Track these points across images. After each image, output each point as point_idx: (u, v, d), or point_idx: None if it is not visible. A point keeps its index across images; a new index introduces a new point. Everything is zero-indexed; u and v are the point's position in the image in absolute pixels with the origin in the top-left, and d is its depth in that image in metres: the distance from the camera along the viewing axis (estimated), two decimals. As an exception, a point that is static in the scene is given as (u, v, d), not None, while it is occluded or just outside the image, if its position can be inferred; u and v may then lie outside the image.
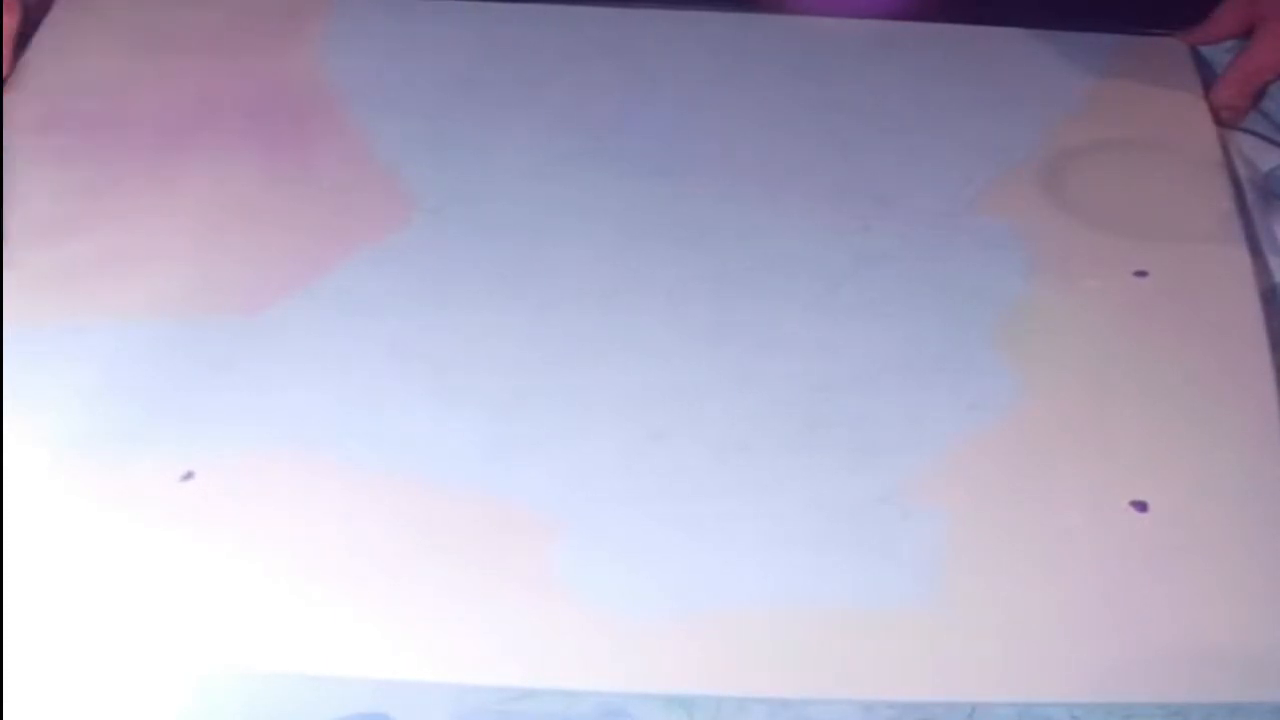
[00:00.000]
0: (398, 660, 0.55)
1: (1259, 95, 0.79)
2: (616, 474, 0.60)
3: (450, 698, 0.54)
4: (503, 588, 0.56)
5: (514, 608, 0.56)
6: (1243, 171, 0.76)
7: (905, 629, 0.56)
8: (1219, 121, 0.77)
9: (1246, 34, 0.79)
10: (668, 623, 0.56)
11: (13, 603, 0.55)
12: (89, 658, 0.54)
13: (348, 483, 0.59)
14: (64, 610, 0.55)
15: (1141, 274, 0.68)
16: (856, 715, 0.55)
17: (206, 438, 0.61)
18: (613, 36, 0.80)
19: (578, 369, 0.64)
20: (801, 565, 0.58)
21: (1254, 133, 0.78)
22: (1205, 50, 0.82)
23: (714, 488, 0.60)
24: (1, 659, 0.53)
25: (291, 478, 0.60)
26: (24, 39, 0.77)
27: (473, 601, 0.56)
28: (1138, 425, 0.63)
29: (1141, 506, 0.59)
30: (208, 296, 0.66)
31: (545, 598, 0.56)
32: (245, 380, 0.63)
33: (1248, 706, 0.55)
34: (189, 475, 0.59)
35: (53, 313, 0.65)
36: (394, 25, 0.80)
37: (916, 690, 0.55)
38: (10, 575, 0.55)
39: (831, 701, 0.55)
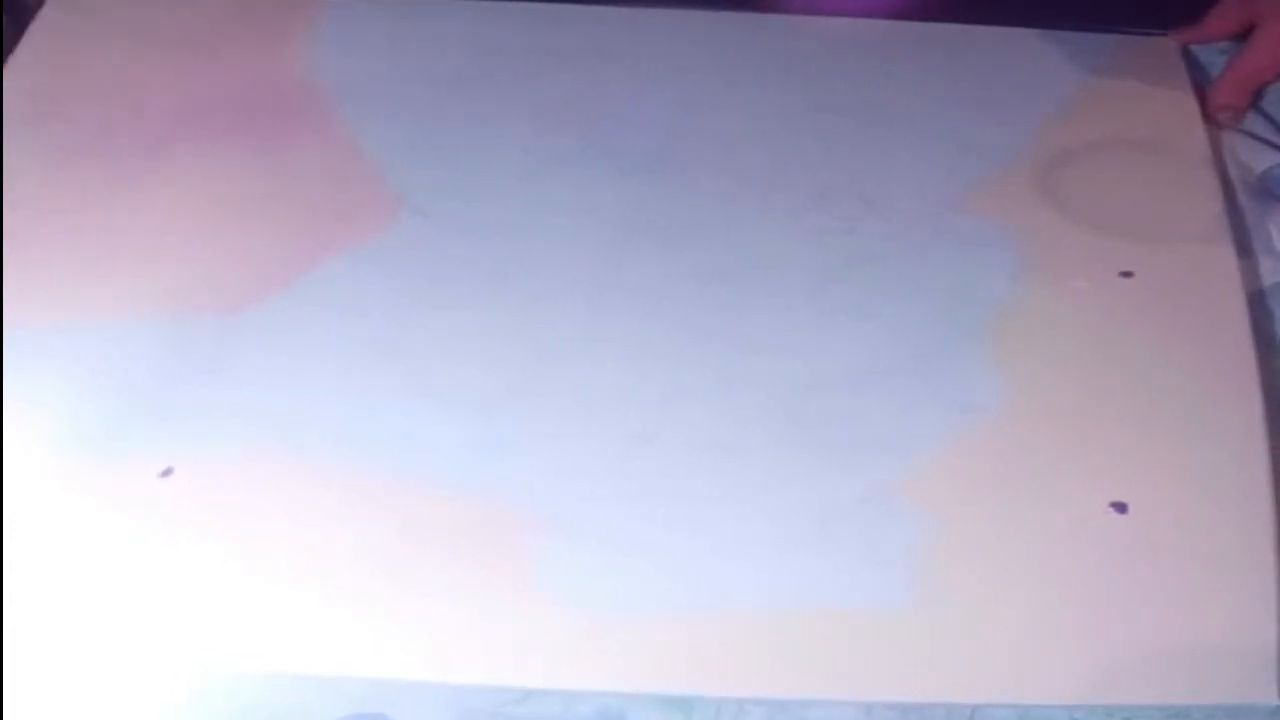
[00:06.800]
0: (396, 660, 0.55)
1: (1257, 96, 0.78)
2: (604, 474, 0.60)
3: (450, 698, 0.54)
4: (497, 589, 0.56)
5: (511, 609, 0.56)
6: (1235, 172, 0.75)
7: (898, 630, 0.56)
8: (1216, 124, 0.77)
9: (1242, 34, 0.79)
10: (662, 623, 0.56)
11: (10, 603, 0.55)
12: (87, 659, 0.55)
13: (332, 482, 0.59)
14: (60, 611, 0.55)
15: (1128, 274, 0.68)
16: (858, 718, 0.55)
17: (188, 435, 0.61)
18: (601, 35, 0.80)
19: (565, 368, 0.64)
20: (791, 566, 0.57)
21: (1251, 134, 0.78)
22: (1197, 50, 0.82)
23: (703, 488, 0.60)
24: (1, 659, 0.53)
25: (273, 476, 0.60)
26: (15, 38, 0.78)
27: (470, 602, 0.56)
28: (1125, 426, 0.62)
29: (1122, 508, 0.59)
30: (192, 294, 0.66)
31: (540, 599, 0.56)
32: (228, 378, 0.63)
33: (1246, 708, 0.55)
34: (168, 472, 0.59)
35: (35, 311, 0.65)
36: (383, 23, 0.80)
37: (914, 692, 0.55)
38: (6, 575, 0.56)
39: (831, 703, 0.55)
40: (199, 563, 0.57)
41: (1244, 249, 0.71)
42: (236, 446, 0.60)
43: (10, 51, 0.77)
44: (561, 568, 0.57)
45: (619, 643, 0.55)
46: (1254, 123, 0.79)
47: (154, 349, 0.64)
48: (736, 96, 0.77)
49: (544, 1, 0.81)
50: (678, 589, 0.57)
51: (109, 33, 0.78)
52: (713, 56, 0.79)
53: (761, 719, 0.55)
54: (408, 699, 0.54)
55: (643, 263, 0.69)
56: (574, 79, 0.77)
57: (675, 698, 0.55)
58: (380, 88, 0.76)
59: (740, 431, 0.62)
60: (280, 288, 0.66)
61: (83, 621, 0.55)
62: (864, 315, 0.66)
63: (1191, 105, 0.77)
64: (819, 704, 0.55)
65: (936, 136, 0.75)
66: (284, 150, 0.72)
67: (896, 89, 0.78)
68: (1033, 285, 0.68)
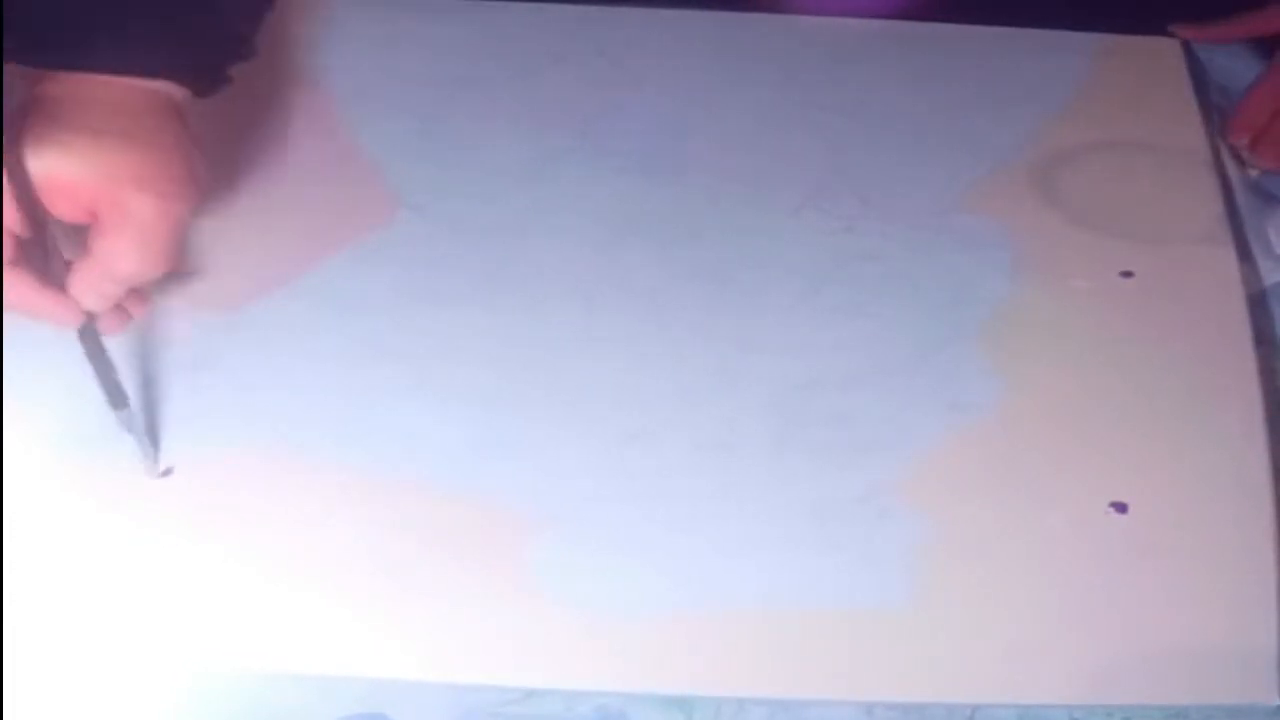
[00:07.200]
0: (396, 660, 0.55)
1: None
2: (603, 473, 0.60)
3: (450, 698, 0.55)
4: (497, 589, 0.56)
5: (511, 609, 0.56)
6: (1235, 172, 0.75)
7: (898, 630, 0.56)
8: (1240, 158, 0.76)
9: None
10: (662, 623, 0.56)
11: (10, 603, 0.55)
12: (87, 659, 0.55)
13: (331, 481, 0.60)
14: (60, 611, 0.55)
15: (1127, 275, 0.68)
16: (858, 718, 0.55)
17: (188, 435, 0.61)
18: (600, 35, 0.80)
19: (564, 367, 0.64)
20: (790, 565, 0.58)
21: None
22: (1198, 50, 0.81)
23: (702, 487, 0.60)
24: (1, 659, 0.53)
25: (273, 476, 0.60)
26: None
27: (470, 602, 0.56)
28: (1125, 426, 0.62)
29: (1122, 508, 0.59)
30: (190, 292, 0.66)
31: (540, 599, 0.56)
32: (228, 377, 0.63)
33: (1246, 708, 0.55)
34: (168, 472, 0.59)
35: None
36: (381, 22, 0.80)
37: (914, 692, 0.55)
38: (6, 575, 0.56)
39: (831, 703, 0.55)
40: (199, 563, 0.57)
41: (1243, 250, 0.70)
42: (236, 446, 0.60)
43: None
44: (561, 568, 0.57)
45: (619, 643, 0.55)
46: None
47: (154, 348, 0.64)
48: (736, 96, 0.77)
49: (544, 1, 0.81)
50: (678, 589, 0.57)
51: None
52: (710, 57, 0.79)
53: (761, 719, 0.55)
54: (408, 699, 0.55)
55: (642, 262, 0.69)
56: (572, 79, 0.77)
57: (675, 698, 0.55)
58: (380, 88, 0.76)
59: (739, 431, 0.62)
60: (280, 286, 0.66)
61: (82, 621, 0.55)
62: (862, 314, 0.67)
63: (1191, 105, 0.77)
64: (819, 704, 0.55)
65: (936, 136, 0.75)
66: (282, 149, 0.72)
67: (896, 89, 0.78)
68: (1032, 285, 0.68)
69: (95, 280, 0.57)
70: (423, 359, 0.64)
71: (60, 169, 0.54)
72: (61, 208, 0.55)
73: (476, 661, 0.55)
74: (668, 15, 0.81)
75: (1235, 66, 0.80)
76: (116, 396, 0.59)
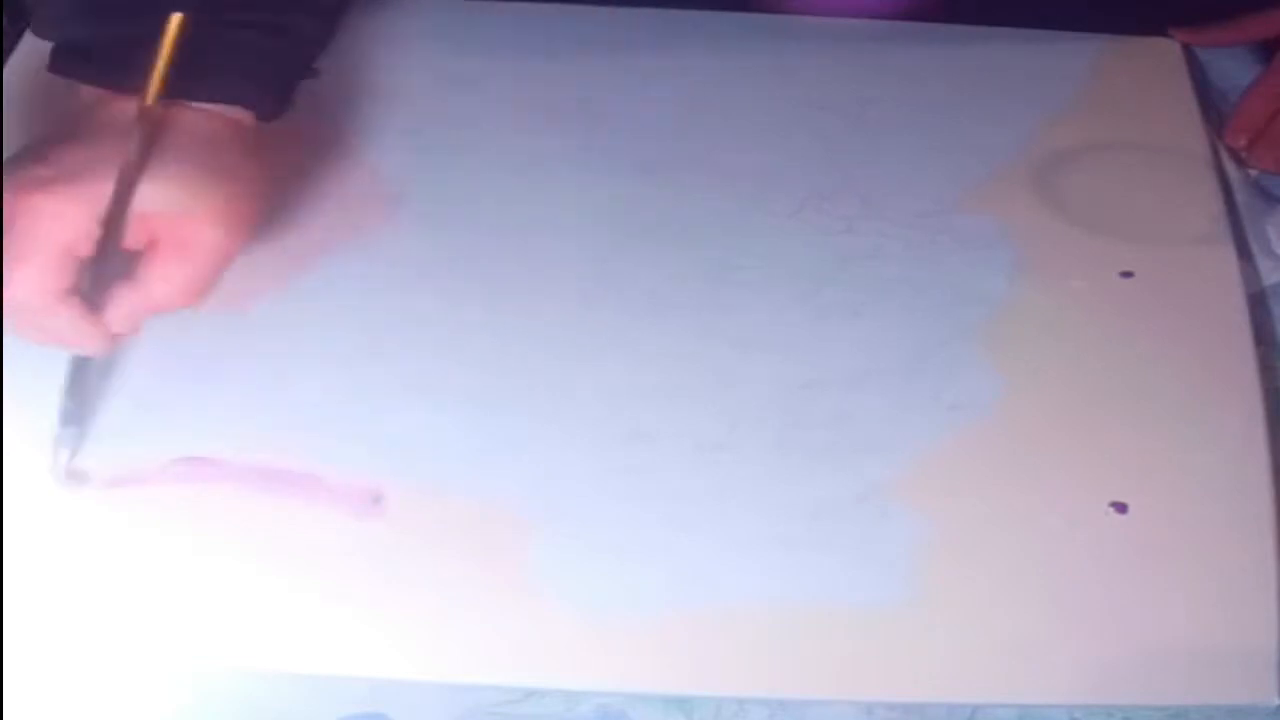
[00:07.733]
0: (396, 660, 0.55)
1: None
2: (603, 473, 0.60)
3: (450, 698, 0.55)
4: (497, 589, 0.56)
5: (511, 609, 0.56)
6: (1235, 172, 0.75)
7: (899, 630, 0.56)
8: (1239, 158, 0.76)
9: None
10: (662, 623, 0.56)
11: (10, 602, 0.55)
12: (88, 657, 0.55)
13: (331, 481, 0.59)
14: (60, 611, 0.55)
15: (1127, 275, 0.68)
16: (858, 717, 0.55)
17: (190, 435, 0.61)
18: (600, 36, 0.80)
19: (564, 368, 0.64)
20: (790, 565, 0.58)
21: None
22: (1198, 50, 0.82)
23: (702, 487, 0.60)
24: (1, 659, 0.53)
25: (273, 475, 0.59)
26: (15, 38, 0.78)
27: (470, 602, 0.56)
28: (1125, 426, 0.62)
29: (1122, 508, 0.59)
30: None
31: (540, 599, 0.56)
32: (228, 377, 0.63)
33: (1246, 708, 0.55)
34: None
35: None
36: (381, 21, 0.80)
37: (914, 692, 0.55)
38: (6, 575, 0.56)
39: (831, 703, 0.55)
40: (199, 562, 0.57)
41: (1243, 250, 0.70)
42: (236, 446, 0.60)
43: (10, 51, 0.77)
44: (561, 568, 0.57)
45: (619, 643, 0.55)
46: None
47: (154, 348, 0.64)
48: (735, 96, 0.77)
49: (544, 1, 0.81)
50: (677, 588, 0.57)
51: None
52: (711, 57, 0.79)
53: (762, 719, 0.55)
54: (408, 699, 0.55)
55: (641, 262, 0.69)
56: (574, 79, 0.77)
57: (675, 698, 0.55)
58: (380, 87, 0.76)
59: (739, 431, 0.62)
60: (279, 287, 0.66)
61: (83, 621, 0.55)
62: (862, 314, 0.67)
63: (1192, 105, 0.77)
64: (819, 704, 0.55)
65: (936, 136, 0.75)
66: (283, 150, 0.72)
67: (896, 89, 0.78)
68: (1032, 285, 0.68)
69: (135, 307, 0.56)
70: (423, 359, 0.64)
71: (146, 197, 0.53)
72: (129, 233, 0.54)
73: (476, 661, 0.55)
74: (668, 15, 0.81)
75: (1234, 68, 0.80)
76: (71, 416, 0.59)
